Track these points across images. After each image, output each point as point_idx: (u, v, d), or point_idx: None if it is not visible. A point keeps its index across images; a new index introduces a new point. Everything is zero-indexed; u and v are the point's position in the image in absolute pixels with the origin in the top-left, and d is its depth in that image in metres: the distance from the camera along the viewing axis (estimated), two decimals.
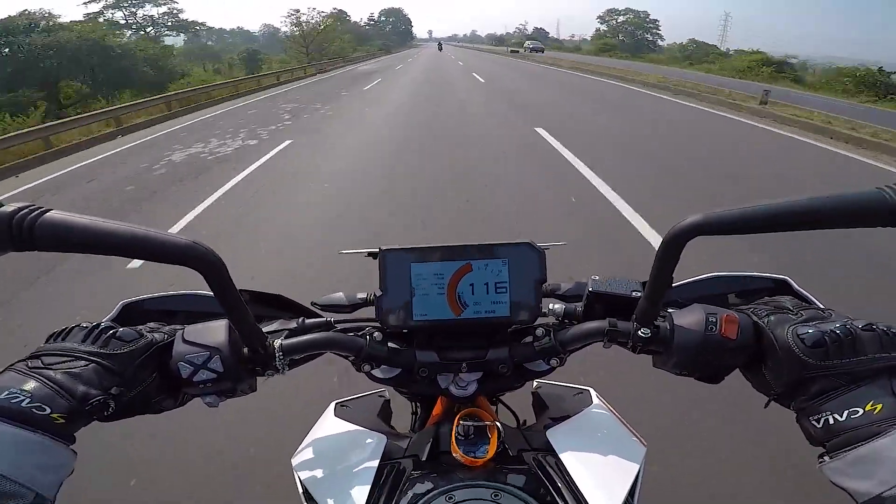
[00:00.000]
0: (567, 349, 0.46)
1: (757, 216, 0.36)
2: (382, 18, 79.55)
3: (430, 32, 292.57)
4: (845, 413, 0.32)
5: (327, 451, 0.50)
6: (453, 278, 0.47)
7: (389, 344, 0.47)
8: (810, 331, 0.35)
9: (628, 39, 45.74)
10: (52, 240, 0.34)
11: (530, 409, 0.61)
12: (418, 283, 0.46)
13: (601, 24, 51.19)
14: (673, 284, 0.41)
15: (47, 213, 0.34)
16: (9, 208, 0.34)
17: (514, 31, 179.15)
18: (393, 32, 78.43)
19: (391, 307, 0.46)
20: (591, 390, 0.58)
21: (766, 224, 0.36)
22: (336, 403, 0.57)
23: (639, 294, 0.45)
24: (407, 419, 0.68)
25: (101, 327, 0.37)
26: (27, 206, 0.35)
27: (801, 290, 0.46)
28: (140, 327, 0.40)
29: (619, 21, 50.32)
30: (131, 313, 0.47)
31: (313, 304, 0.51)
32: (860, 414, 0.32)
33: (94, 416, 0.34)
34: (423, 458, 0.46)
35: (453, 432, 0.45)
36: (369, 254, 0.48)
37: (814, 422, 0.33)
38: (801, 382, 0.34)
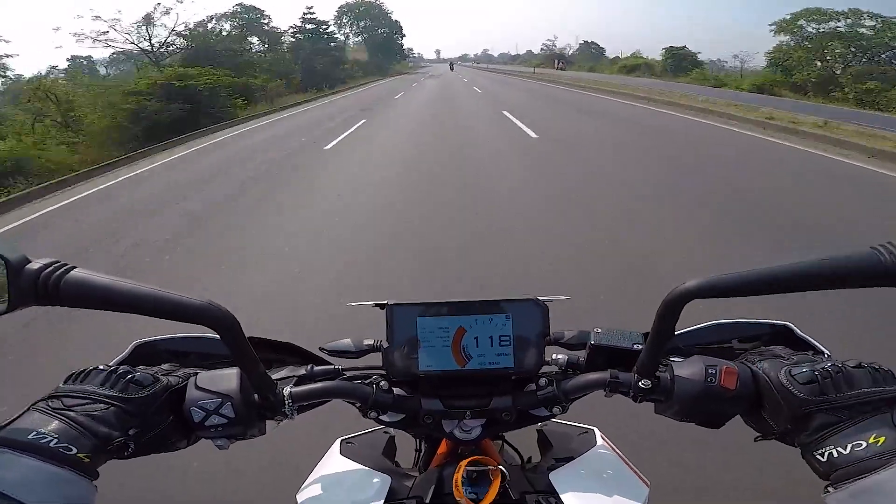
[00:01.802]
0: (569, 398, 0.59)
1: (753, 281, 0.46)
2: (347, 21, 54.19)
3: (437, 52, 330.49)
4: (849, 446, 0.41)
5: (332, 489, 0.63)
6: (458, 331, 0.59)
7: (395, 391, 0.61)
8: (804, 370, 0.46)
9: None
10: (74, 298, 0.44)
11: (535, 446, 0.76)
12: (424, 335, 0.59)
13: (776, 34, 35.61)
14: (676, 333, 0.52)
15: (72, 272, 0.44)
16: (35, 265, 0.44)
17: (542, 50, 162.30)
18: (367, 47, 52.09)
19: (397, 358, 0.59)
20: (596, 430, 0.71)
21: (762, 287, 0.46)
22: (341, 440, 0.72)
23: (640, 347, 0.57)
24: (411, 455, 0.87)
25: (118, 371, 0.49)
26: (53, 263, 0.44)
27: (803, 334, 0.58)
28: (155, 370, 0.53)
29: (831, 28, 32.99)
30: (143, 353, 0.60)
31: (321, 349, 0.64)
32: (863, 447, 0.41)
33: (114, 455, 0.46)
34: (427, 501, 0.59)
35: (457, 476, 0.57)
36: (377, 305, 0.61)
37: (818, 456, 0.43)
38: (800, 419, 0.45)
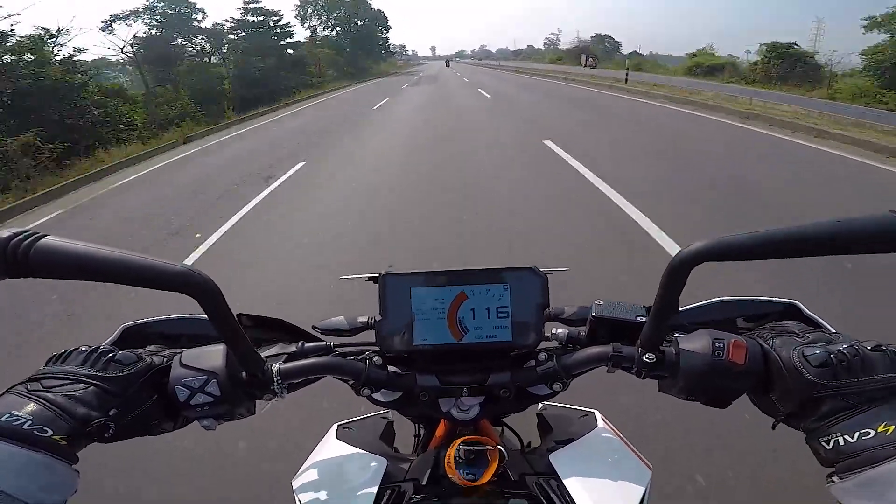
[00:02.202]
0: (570, 374, 0.60)
1: (765, 242, 0.45)
2: (313, 11, 43.28)
3: (433, 49, 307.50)
4: (856, 434, 0.41)
5: (328, 473, 0.65)
6: (454, 303, 0.60)
7: (389, 368, 0.62)
8: (817, 351, 0.46)
9: None
10: (47, 267, 0.43)
11: (535, 431, 0.78)
12: (419, 307, 0.60)
13: (867, 30, 28.66)
14: (680, 309, 0.53)
15: (43, 240, 0.44)
16: (3, 234, 0.43)
17: (546, 44, 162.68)
18: (339, 43, 40.82)
19: (391, 332, 0.60)
20: (597, 413, 0.73)
21: (775, 250, 0.45)
22: (338, 425, 0.74)
23: (643, 319, 0.58)
24: (410, 440, 0.87)
25: (99, 351, 0.51)
26: (23, 232, 0.44)
27: (811, 313, 0.59)
28: (140, 350, 0.55)
29: None
30: (132, 336, 0.61)
31: (314, 327, 0.66)
32: (872, 435, 0.41)
33: (94, 438, 0.46)
34: (424, 483, 0.61)
35: (454, 456, 0.59)
36: (370, 278, 0.62)
37: (823, 443, 0.44)
38: (809, 403, 0.45)
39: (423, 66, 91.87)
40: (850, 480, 0.40)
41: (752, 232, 0.45)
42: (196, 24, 31.18)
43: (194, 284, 0.46)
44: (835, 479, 0.42)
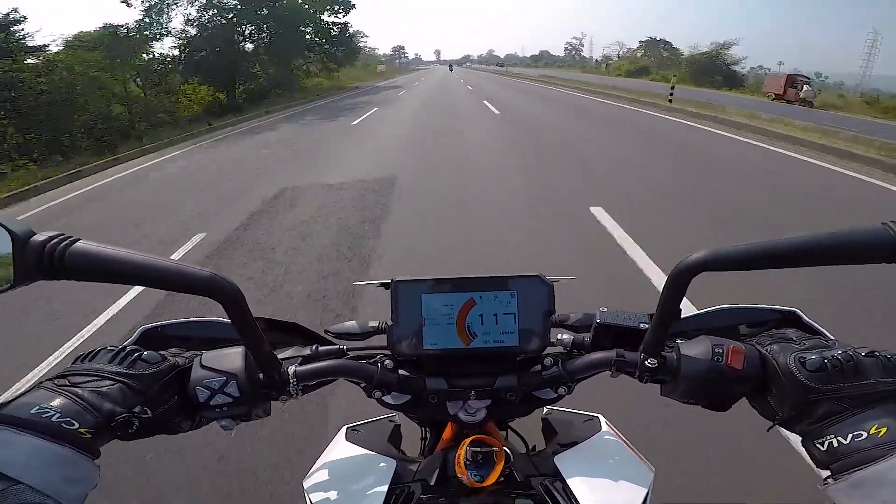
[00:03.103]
0: (575, 378, 0.67)
1: (761, 253, 0.50)
2: None
3: (437, 53, 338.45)
4: (849, 436, 0.46)
5: (338, 474, 0.71)
6: (463, 309, 0.66)
7: (400, 371, 0.69)
8: (813, 357, 0.51)
9: None
10: (80, 269, 0.49)
11: (540, 435, 0.84)
12: (429, 313, 0.66)
13: None
14: (682, 317, 0.60)
15: (77, 244, 0.49)
16: (40, 237, 0.48)
17: (567, 50, 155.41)
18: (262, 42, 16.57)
19: (402, 336, 0.66)
20: (601, 417, 0.79)
21: (770, 261, 0.51)
22: (347, 428, 0.81)
23: (646, 326, 0.65)
24: (417, 444, 0.96)
25: (126, 350, 0.58)
26: (58, 236, 0.50)
27: (810, 320, 0.65)
28: (163, 352, 0.62)
29: None
30: (151, 339, 0.67)
31: (326, 331, 0.74)
32: (864, 437, 0.46)
33: (117, 433, 0.53)
34: (432, 483, 0.67)
35: (461, 458, 0.65)
36: (382, 284, 0.69)
37: (818, 445, 0.50)
38: (805, 406, 0.51)
39: (421, 72, 73.87)
40: (844, 481, 0.44)
41: (750, 243, 0.50)
42: None
43: (220, 289, 0.51)
44: (830, 480, 0.46)
